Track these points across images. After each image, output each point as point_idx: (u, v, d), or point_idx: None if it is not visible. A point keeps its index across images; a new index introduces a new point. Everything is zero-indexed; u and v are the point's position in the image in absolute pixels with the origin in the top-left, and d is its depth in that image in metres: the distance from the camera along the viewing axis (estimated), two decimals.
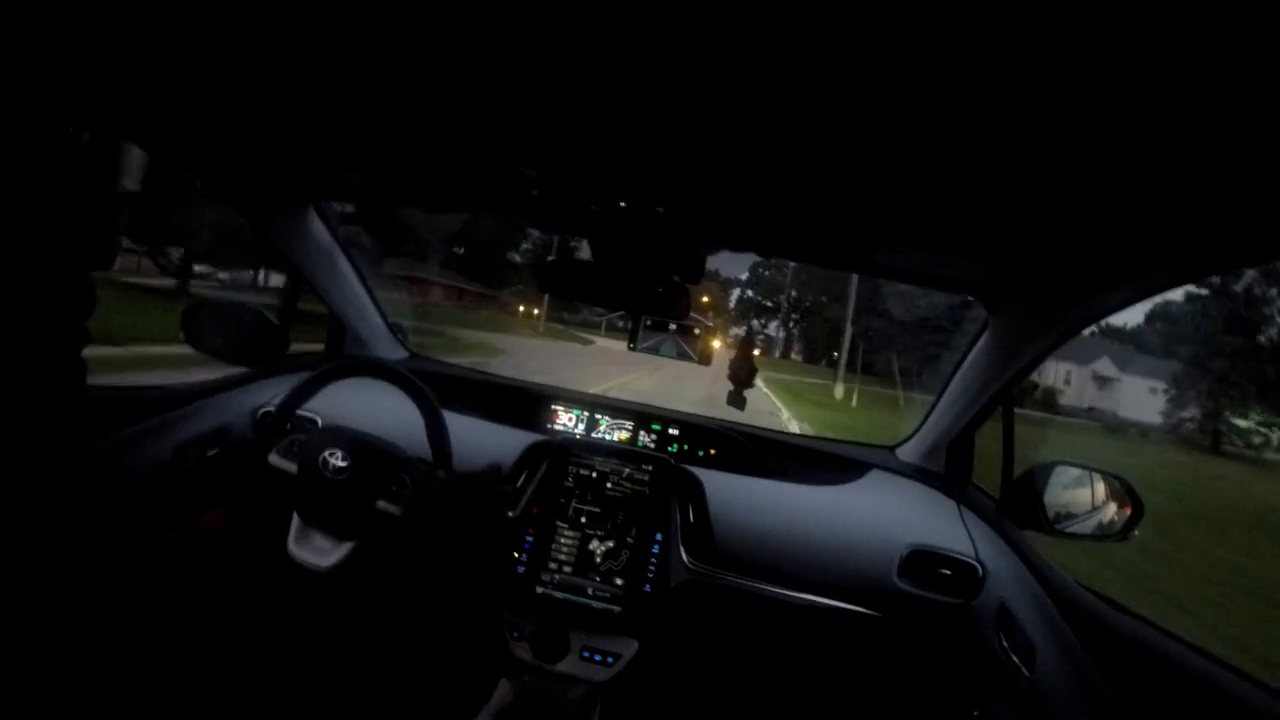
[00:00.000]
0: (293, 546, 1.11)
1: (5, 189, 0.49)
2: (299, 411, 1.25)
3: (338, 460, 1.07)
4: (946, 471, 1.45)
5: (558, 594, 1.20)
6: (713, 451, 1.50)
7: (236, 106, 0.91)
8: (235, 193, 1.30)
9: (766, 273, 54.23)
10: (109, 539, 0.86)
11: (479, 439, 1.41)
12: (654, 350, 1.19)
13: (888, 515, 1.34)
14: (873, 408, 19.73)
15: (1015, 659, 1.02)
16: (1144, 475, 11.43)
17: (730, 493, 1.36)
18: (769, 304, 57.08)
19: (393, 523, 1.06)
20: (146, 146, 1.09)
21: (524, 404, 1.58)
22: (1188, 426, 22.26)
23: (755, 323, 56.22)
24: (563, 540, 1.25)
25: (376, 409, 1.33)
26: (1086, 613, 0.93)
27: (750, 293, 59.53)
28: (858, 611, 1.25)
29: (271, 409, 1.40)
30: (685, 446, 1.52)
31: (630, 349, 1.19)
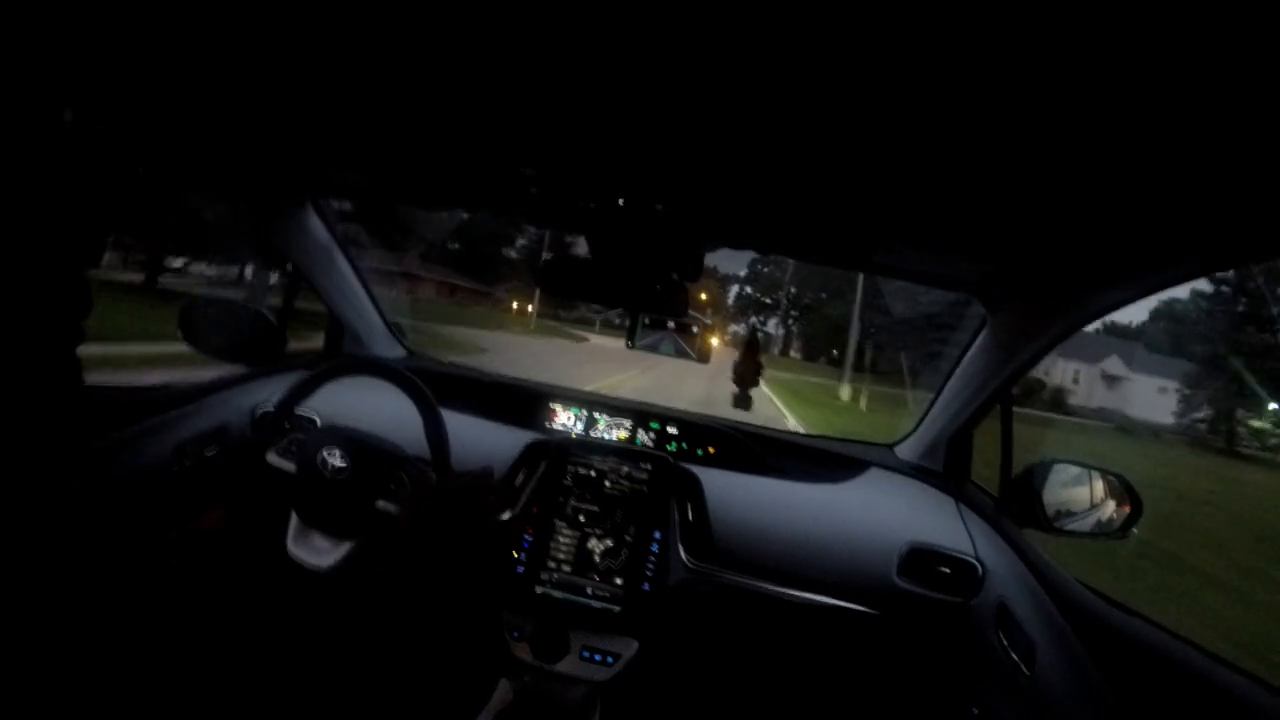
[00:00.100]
0: (291, 546, 1.10)
1: (2, 187, 0.49)
2: (297, 411, 1.25)
3: (336, 460, 1.07)
4: (945, 469, 1.45)
5: (557, 594, 1.21)
6: (711, 450, 1.50)
7: (235, 104, 0.91)
8: (233, 190, 1.30)
9: (765, 269, 54.14)
10: (109, 539, 0.86)
11: (478, 438, 1.41)
12: (652, 348, 1.18)
13: (887, 513, 1.34)
14: (883, 410, 17.97)
15: (1014, 657, 1.02)
16: (1184, 487, 10.89)
17: (729, 491, 1.36)
18: (768, 301, 57.03)
19: (391, 523, 1.06)
20: (145, 143, 1.08)
21: (523, 403, 1.58)
22: (1200, 427, 21.94)
23: (755, 320, 56.19)
24: (562, 540, 1.25)
25: (375, 408, 1.33)
26: (1086, 610, 0.93)
27: (749, 289, 59.46)
28: (857, 610, 1.25)
29: (270, 408, 1.40)
30: (684, 445, 1.52)
31: (629, 347, 1.19)
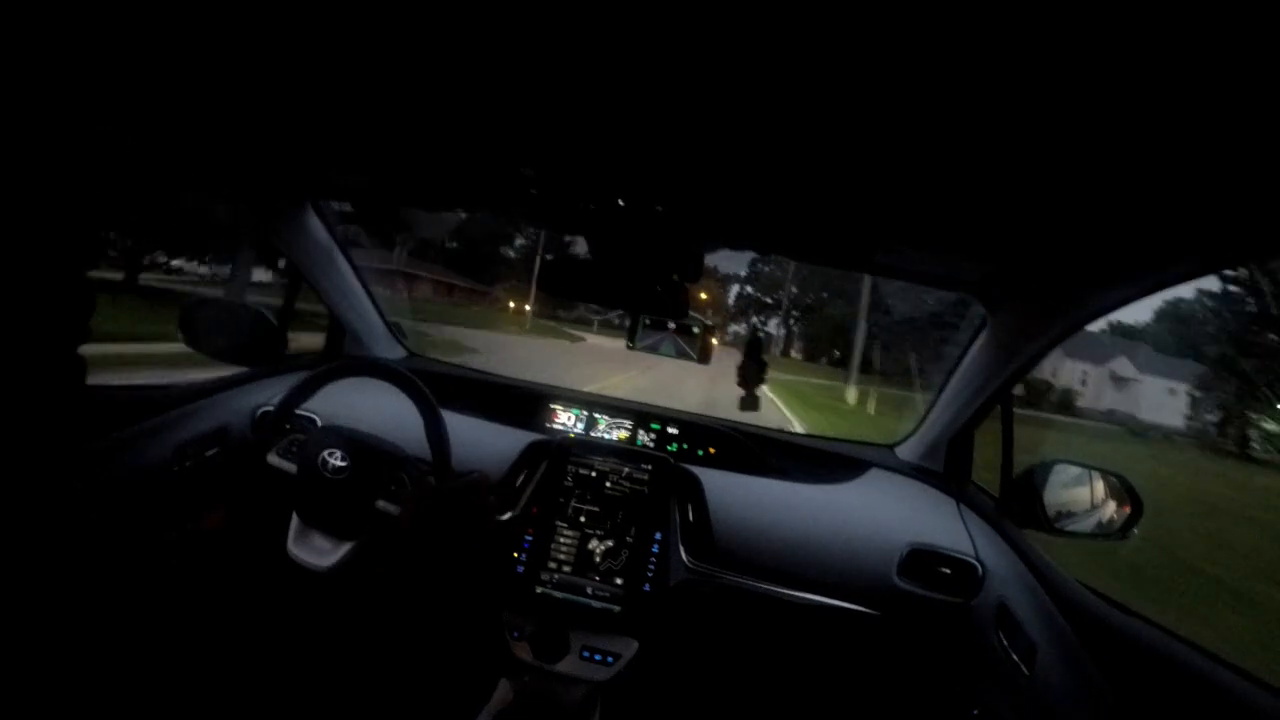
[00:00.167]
0: (292, 547, 1.11)
1: (4, 187, 0.49)
2: (298, 411, 1.25)
3: (337, 460, 1.07)
4: (946, 470, 1.45)
5: (557, 594, 1.21)
6: (712, 450, 1.50)
7: (235, 105, 0.91)
8: (233, 192, 1.30)
9: (766, 269, 54.05)
10: (109, 539, 0.86)
11: (478, 438, 1.41)
12: (653, 349, 1.19)
13: (887, 514, 1.34)
14: (891, 413, 16.72)
15: (1015, 658, 1.02)
16: (1212, 496, 10.31)
17: (729, 492, 1.36)
18: (768, 300, 56.97)
19: (391, 523, 1.06)
20: (144, 145, 1.08)
21: (523, 403, 1.58)
22: (1211, 430, 21.58)
23: (755, 320, 56.11)
24: (562, 540, 1.25)
25: (376, 409, 1.33)
26: (1086, 611, 0.93)
27: (749, 289, 59.33)
28: (857, 610, 1.25)
29: (271, 408, 1.40)
30: (684, 446, 1.52)
31: (629, 348, 1.19)
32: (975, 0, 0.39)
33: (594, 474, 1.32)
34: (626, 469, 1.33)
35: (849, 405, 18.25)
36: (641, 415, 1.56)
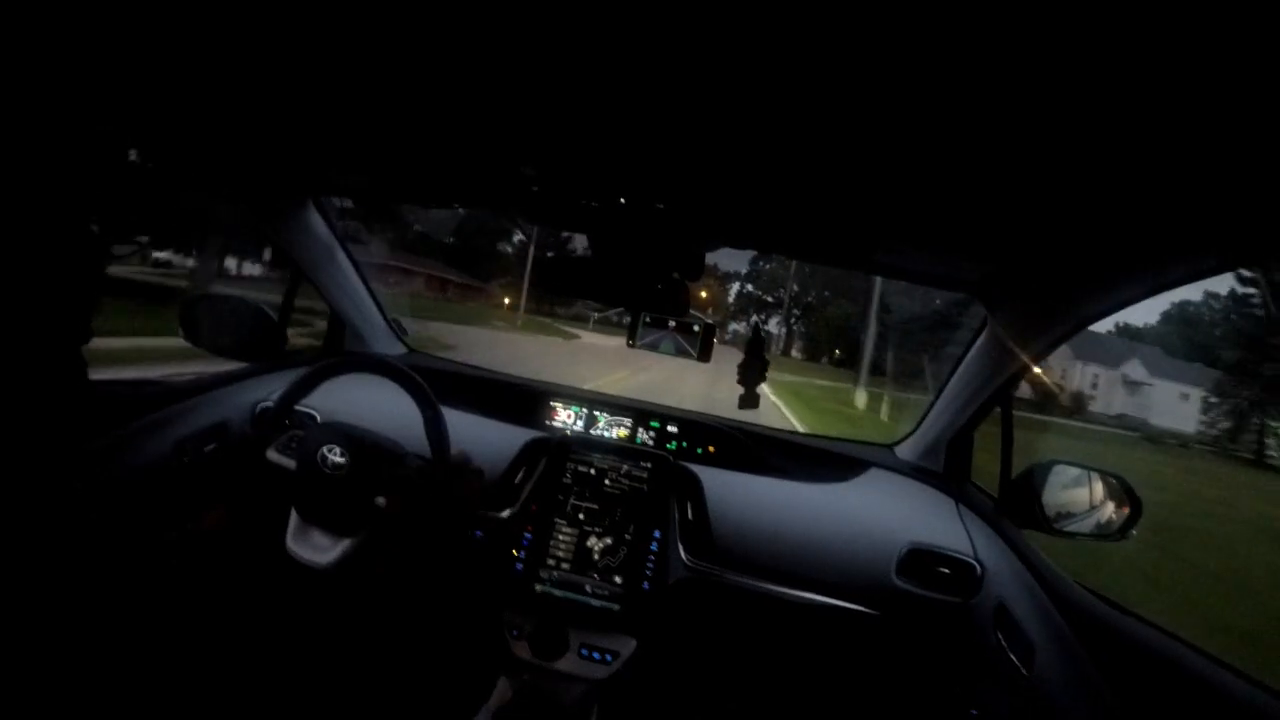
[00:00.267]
0: (291, 543, 1.10)
1: (10, 191, 0.49)
2: (297, 407, 1.25)
3: (336, 456, 1.07)
4: (945, 470, 1.45)
5: (556, 592, 1.21)
6: (711, 449, 1.50)
7: (236, 103, 0.91)
8: (234, 188, 1.30)
9: (767, 266, 53.70)
10: (109, 538, 0.86)
11: (477, 435, 1.41)
12: (653, 347, 1.19)
13: (886, 514, 1.34)
14: (908, 420, 13.95)
15: (1013, 658, 1.02)
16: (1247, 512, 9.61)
17: (729, 490, 1.36)
18: (769, 299, 56.82)
19: (386, 516, 1.06)
20: (145, 143, 1.08)
21: (523, 400, 1.58)
22: (1226, 437, 21.24)
23: (756, 318, 55.88)
24: (561, 538, 1.25)
25: (375, 405, 1.33)
26: (1085, 611, 0.93)
27: (750, 287, 59.07)
28: (856, 610, 1.25)
29: (270, 404, 1.40)
30: (684, 444, 1.52)
31: (630, 346, 1.19)
32: (976, 1, 0.39)
33: (593, 472, 1.32)
34: (626, 467, 1.33)
35: (859, 410, 16.79)
36: (641, 413, 1.56)
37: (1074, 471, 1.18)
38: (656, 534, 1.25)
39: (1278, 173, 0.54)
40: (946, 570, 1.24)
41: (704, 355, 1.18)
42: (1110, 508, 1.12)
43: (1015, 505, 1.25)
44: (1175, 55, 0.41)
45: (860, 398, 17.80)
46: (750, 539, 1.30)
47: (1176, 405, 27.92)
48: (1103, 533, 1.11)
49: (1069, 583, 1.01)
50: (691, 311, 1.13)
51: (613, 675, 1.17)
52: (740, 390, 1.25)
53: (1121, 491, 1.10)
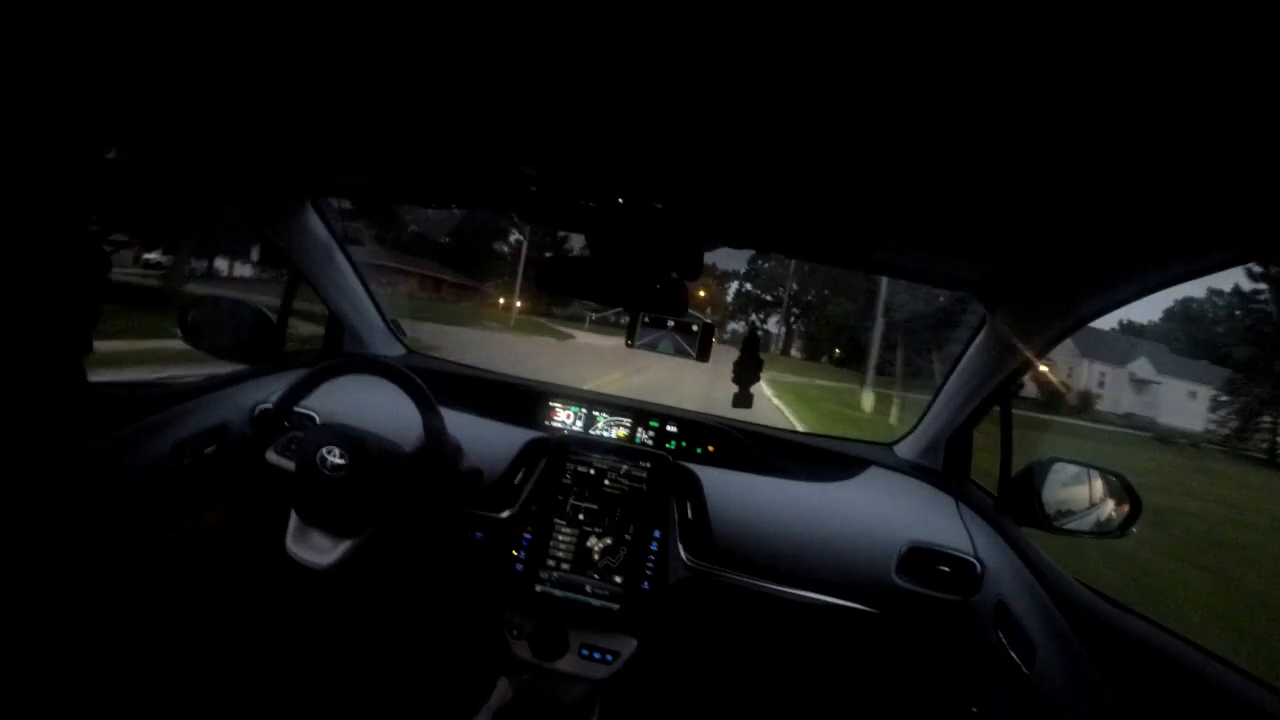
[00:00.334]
0: (291, 545, 1.10)
1: (9, 196, 0.49)
2: (297, 408, 1.25)
3: (335, 458, 1.07)
4: (945, 468, 1.45)
5: (556, 592, 1.21)
6: (711, 448, 1.50)
7: (235, 104, 0.90)
8: (233, 189, 1.30)
9: (766, 265, 53.60)
10: (109, 539, 0.86)
11: (476, 436, 1.41)
12: (652, 347, 1.19)
13: (886, 512, 1.34)
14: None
15: (1014, 656, 1.02)
16: None
17: (728, 490, 1.36)
18: (768, 298, 56.77)
19: (386, 516, 1.06)
20: (145, 143, 1.08)
21: (522, 401, 1.58)
22: (1237, 436, 20.99)
23: (755, 318, 55.88)
24: (561, 538, 1.25)
25: (374, 406, 1.33)
26: (1085, 609, 0.93)
27: (748, 286, 58.97)
28: (856, 608, 1.26)
29: (269, 406, 1.40)
30: (683, 444, 1.52)
31: (629, 346, 1.19)
32: (976, 1, 0.39)
33: (593, 472, 1.32)
34: (625, 467, 1.33)
35: (865, 413, 15.86)
36: (640, 413, 1.56)
37: (1073, 469, 1.18)
38: (656, 534, 1.25)
39: (1271, 174, 0.54)
40: (946, 568, 1.24)
41: (703, 355, 1.18)
42: (1110, 505, 1.12)
43: (1015, 503, 1.25)
44: (1171, 52, 0.41)
45: (866, 399, 17.11)
46: (750, 538, 1.30)
47: (1184, 404, 27.72)
48: (1102, 530, 1.11)
49: (1069, 580, 1.01)
50: (690, 311, 1.13)
51: (613, 675, 1.17)
52: (737, 390, 1.25)
53: (1121, 489, 1.10)
